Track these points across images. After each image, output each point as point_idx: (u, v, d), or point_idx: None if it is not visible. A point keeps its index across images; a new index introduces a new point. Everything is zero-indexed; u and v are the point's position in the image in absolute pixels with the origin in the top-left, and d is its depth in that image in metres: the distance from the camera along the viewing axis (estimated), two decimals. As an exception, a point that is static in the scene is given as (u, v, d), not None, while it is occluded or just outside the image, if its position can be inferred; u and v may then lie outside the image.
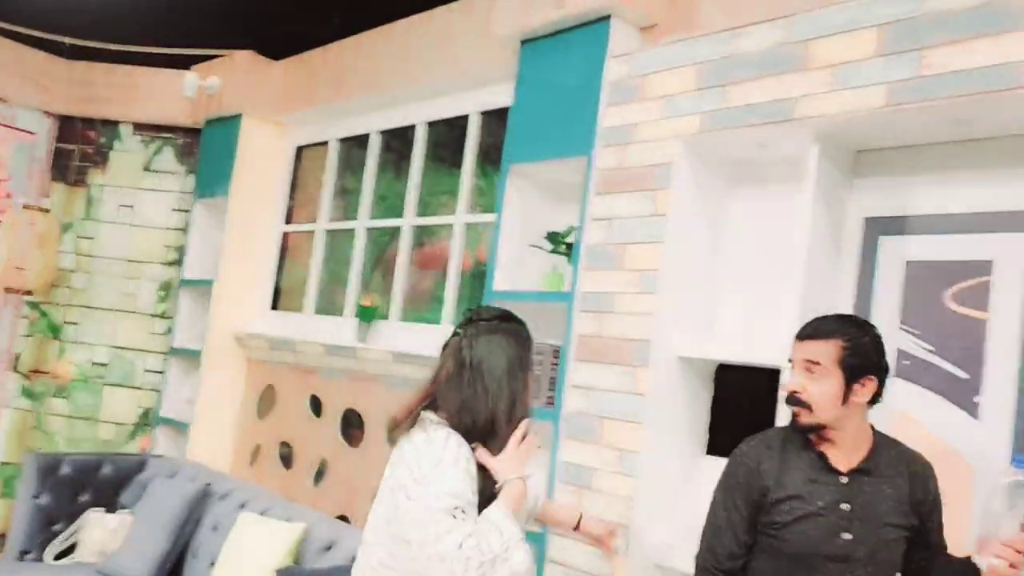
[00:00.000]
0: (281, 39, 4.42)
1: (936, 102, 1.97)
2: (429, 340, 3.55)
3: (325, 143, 4.53)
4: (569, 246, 2.87)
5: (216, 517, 3.03)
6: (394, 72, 3.84)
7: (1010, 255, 2.04)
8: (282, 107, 4.55)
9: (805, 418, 1.76)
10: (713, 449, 2.58)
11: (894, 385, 2.18)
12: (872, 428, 1.82)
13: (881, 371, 1.76)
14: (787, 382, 1.82)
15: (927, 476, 1.80)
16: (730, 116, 2.38)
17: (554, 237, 2.91)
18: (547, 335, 3.05)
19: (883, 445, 1.81)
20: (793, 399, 1.77)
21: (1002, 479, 1.62)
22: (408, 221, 3.94)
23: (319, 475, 4.01)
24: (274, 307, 4.66)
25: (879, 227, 2.29)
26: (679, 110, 2.52)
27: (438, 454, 1.65)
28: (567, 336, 2.71)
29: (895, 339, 2.21)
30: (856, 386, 1.73)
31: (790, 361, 1.81)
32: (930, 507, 1.78)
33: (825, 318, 1.81)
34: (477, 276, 3.63)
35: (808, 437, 1.78)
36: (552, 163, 2.91)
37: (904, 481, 1.76)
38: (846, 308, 2.32)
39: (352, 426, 3.93)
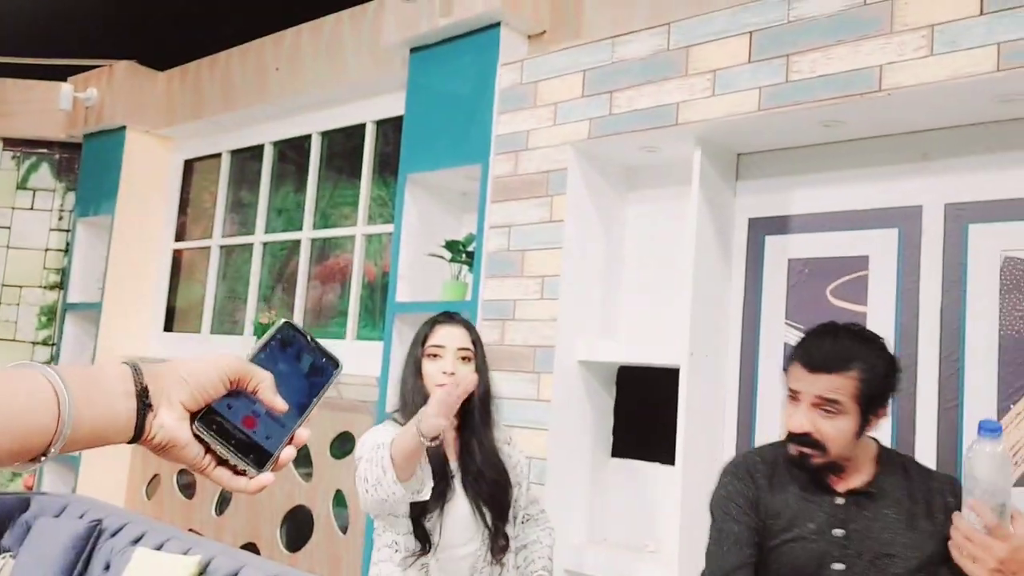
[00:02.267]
0: (164, 49, 4.25)
1: (804, 106, 2.06)
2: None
3: (216, 156, 4.37)
4: (470, 254, 2.86)
5: (108, 555, 2.87)
6: (285, 82, 3.75)
7: (884, 250, 2.14)
8: (167, 119, 4.37)
9: (818, 460, 1.49)
10: (618, 451, 2.62)
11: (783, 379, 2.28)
12: (876, 442, 1.59)
13: (894, 397, 1.54)
14: (789, 419, 1.51)
15: (945, 490, 1.51)
16: (617, 122, 2.42)
17: (453, 245, 2.89)
18: (450, 345, 3.03)
19: (889, 462, 1.56)
20: (804, 440, 1.48)
21: (982, 457, 1.34)
22: (306, 234, 3.85)
23: (223, 503, 3.86)
24: (168, 329, 4.47)
25: (763, 227, 2.37)
26: (569, 116, 2.54)
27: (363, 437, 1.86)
28: (470, 345, 2.69)
29: (781, 333, 2.30)
30: (872, 418, 1.49)
31: (791, 391, 1.53)
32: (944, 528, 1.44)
33: (836, 336, 1.53)
34: (383, 288, 3.57)
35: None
36: (448, 171, 2.90)
37: (913, 503, 1.49)
38: (735, 307, 2.40)
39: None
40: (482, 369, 1.91)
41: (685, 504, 2.20)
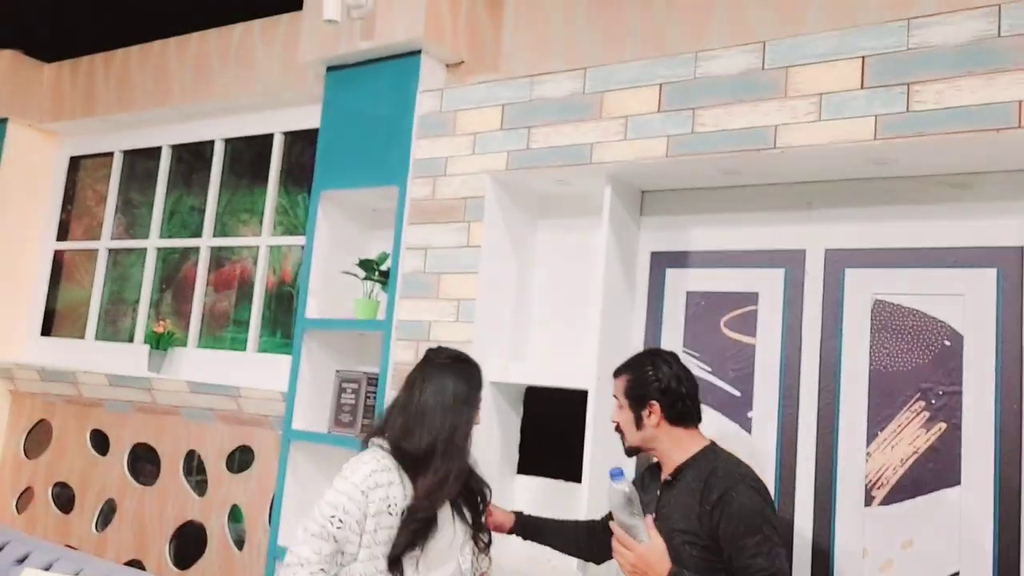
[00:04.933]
0: (51, 40, 4.04)
1: (707, 156, 2.25)
2: (232, 368, 3.43)
3: (107, 154, 4.19)
4: (384, 273, 2.90)
5: (-14, 577, 2.70)
6: (188, 86, 3.65)
7: (772, 288, 2.37)
8: (53, 113, 4.15)
9: (624, 443, 1.99)
10: (524, 468, 2.74)
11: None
12: (704, 445, 1.90)
13: (663, 395, 1.89)
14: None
15: (717, 486, 1.78)
16: (534, 156, 2.55)
17: (367, 264, 2.93)
18: (362, 363, 3.07)
19: (701, 458, 1.87)
20: (615, 427, 2.00)
21: (613, 493, 1.79)
22: (206, 241, 3.76)
23: (104, 518, 3.71)
24: (46, 333, 4.23)
25: (664, 261, 2.56)
26: (487, 147, 2.65)
27: (348, 467, 1.87)
28: (384, 364, 2.74)
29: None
30: (644, 412, 1.92)
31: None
32: (716, 518, 1.76)
33: (631, 357, 2.02)
34: (281, 297, 3.55)
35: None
36: (364, 191, 2.94)
37: (698, 489, 1.81)
38: (639, 333, 2.57)
39: (145, 462, 3.67)
40: None
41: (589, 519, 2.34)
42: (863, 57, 2.08)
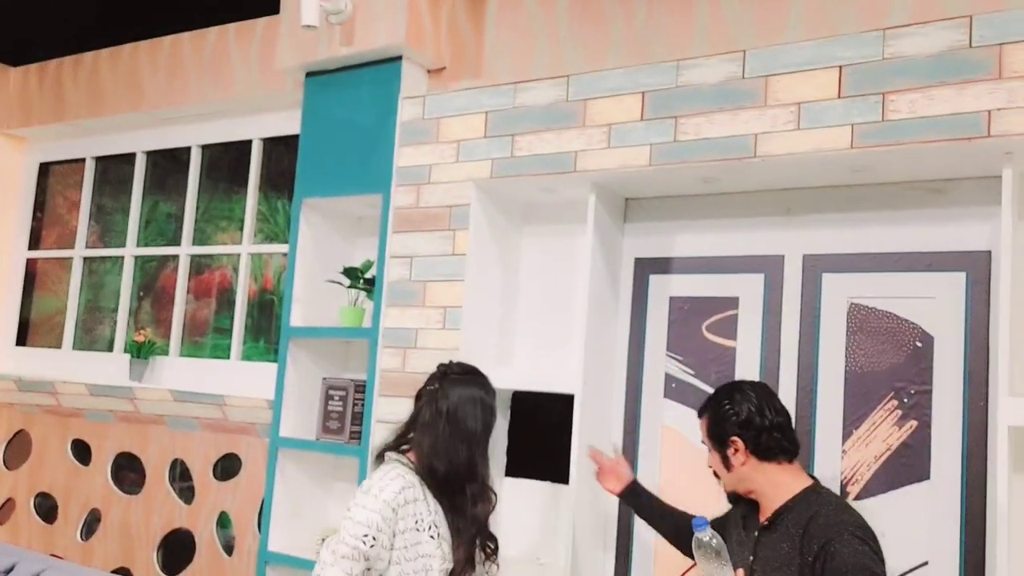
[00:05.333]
0: (17, 43, 3.96)
1: (688, 164, 2.30)
2: (216, 376, 3.43)
3: (79, 160, 4.13)
4: (368, 281, 2.92)
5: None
6: (161, 90, 3.62)
7: (751, 293, 2.44)
8: (22, 119, 4.08)
9: (723, 487, 1.89)
10: (511, 471, 2.78)
11: (664, 405, 2.53)
12: (806, 486, 1.79)
13: (744, 430, 1.80)
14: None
15: (820, 535, 1.67)
16: (518, 164, 2.58)
17: (352, 272, 2.94)
18: (348, 370, 3.09)
19: (802, 501, 1.76)
20: (713, 473, 1.91)
21: (698, 543, 1.70)
22: (185, 250, 3.73)
23: (89, 527, 3.69)
24: (20, 343, 4.18)
25: (648, 267, 2.61)
26: (472, 155, 2.67)
27: (374, 483, 1.88)
28: (371, 371, 2.77)
29: (663, 365, 2.55)
30: (728, 452, 1.82)
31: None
32: (818, 572, 1.65)
33: (712, 394, 1.94)
34: (263, 306, 3.54)
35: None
36: (347, 199, 2.94)
37: (798, 536, 1.70)
38: (623, 338, 2.62)
39: (127, 470, 3.66)
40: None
41: (576, 520, 2.40)
42: (840, 67, 2.13)
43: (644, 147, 2.37)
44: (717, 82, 2.29)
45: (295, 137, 3.11)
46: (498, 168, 2.62)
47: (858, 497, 2.22)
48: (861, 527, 1.68)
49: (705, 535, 1.69)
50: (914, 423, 2.19)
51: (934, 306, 2.20)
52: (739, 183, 2.42)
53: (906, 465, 2.18)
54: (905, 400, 2.21)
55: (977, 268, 2.16)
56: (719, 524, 1.93)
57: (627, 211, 2.68)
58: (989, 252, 2.15)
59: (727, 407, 1.83)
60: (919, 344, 2.21)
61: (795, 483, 1.79)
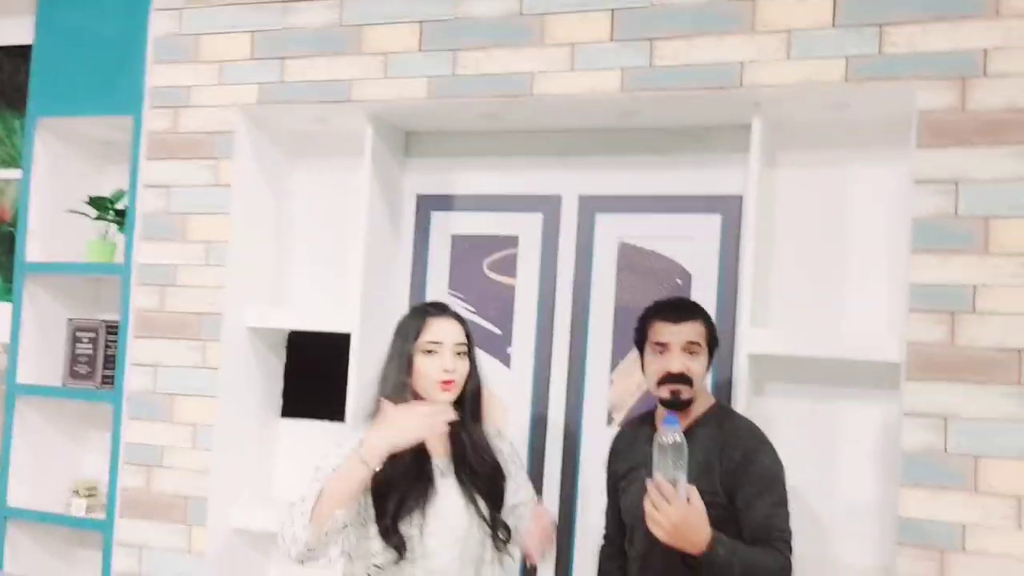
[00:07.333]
0: None
1: (467, 99, 2.25)
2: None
3: None
4: (120, 213, 2.63)
5: None
6: None
7: (531, 232, 2.47)
8: None
9: (686, 394, 1.77)
10: (287, 411, 2.69)
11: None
12: (715, 401, 1.86)
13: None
14: (666, 365, 1.77)
15: (739, 446, 1.72)
16: (288, 90, 2.40)
17: (99, 202, 2.63)
18: (99, 310, 2.81)
19: (715, 414, 1.81)
20: (681, 378, 1.76)
21: (662, 439, 1.56)
22: None
23: None
24: None
25: (430, 204, 2.56)
26: (236, 78, 2.45)
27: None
28: (124, 311, 2.52)
29: (446, 303, 2.53)
30: (711, 361, 1.83)
31: (660, 344, 1.78)
32: (736, 479, 1.69)
33: (680, 300, 1.91)
34: (2, 238, 3.09)
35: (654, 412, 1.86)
36: (92, 120, 2.62)
37: (716, 448, 1.73)
38: (404, 276, 2.58)
39: None
40: (474, 363, 1.81)
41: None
42: (612, 10, 2.15)
43: (422, 79, 2.29)
44: (496, 16, 2.24)
45: (31, 48, 2.70)
46: (266, 93, 2.42)
47: (620, 424, 2.37)
48: (771, 443, 1.78)
49: (676, 432, 1.56)
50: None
51: (692, 246, 2.35)
52: (519, 122, 2.41)
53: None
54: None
55: (730, 211, 2.32)
56: (629, 439, 1.92)
57: (408, 145, 2.59)
58: (741, 196, 2.31)
59: (711, 320, 1.84)
60: (679, 281, 2.36)
61: (708, 396, 1.88)
